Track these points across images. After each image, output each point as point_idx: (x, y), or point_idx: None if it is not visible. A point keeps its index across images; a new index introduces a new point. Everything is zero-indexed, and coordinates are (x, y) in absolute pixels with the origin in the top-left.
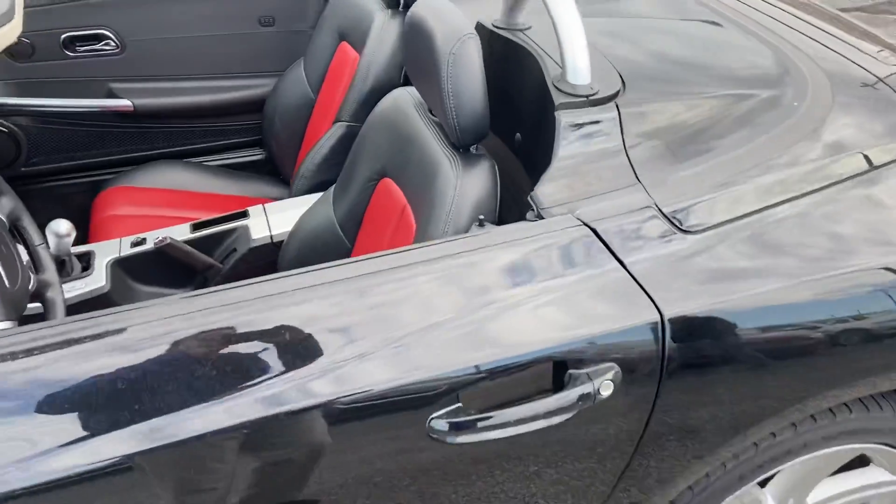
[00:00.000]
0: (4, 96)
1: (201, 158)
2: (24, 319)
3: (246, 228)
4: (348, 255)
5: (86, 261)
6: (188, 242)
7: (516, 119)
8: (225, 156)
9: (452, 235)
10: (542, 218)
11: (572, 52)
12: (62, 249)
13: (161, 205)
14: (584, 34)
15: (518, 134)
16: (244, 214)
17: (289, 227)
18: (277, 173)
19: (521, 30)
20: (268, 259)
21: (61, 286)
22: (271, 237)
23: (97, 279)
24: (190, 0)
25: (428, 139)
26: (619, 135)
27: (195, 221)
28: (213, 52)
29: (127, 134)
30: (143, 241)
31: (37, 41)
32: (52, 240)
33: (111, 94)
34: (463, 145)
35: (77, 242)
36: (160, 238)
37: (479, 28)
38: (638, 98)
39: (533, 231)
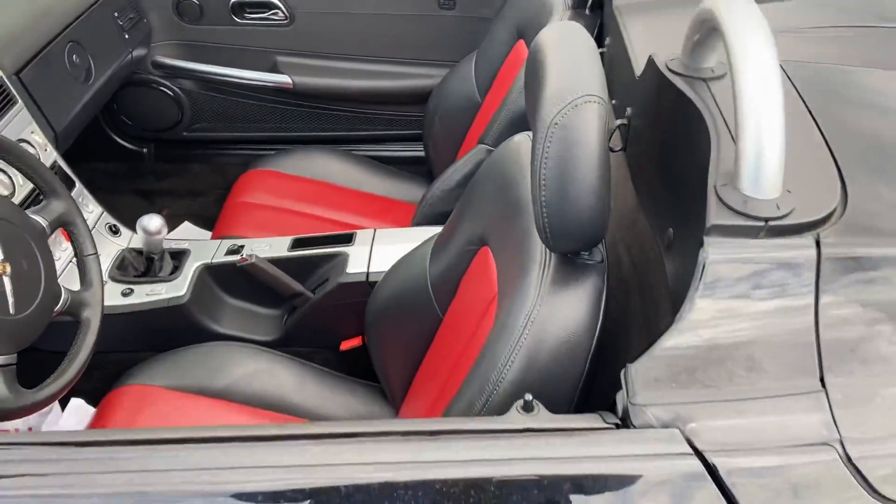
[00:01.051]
0: (172, 58)
1: (358, 147)
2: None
3: (345, 258)
4: (437, 326)
5: (178, 260)
6: (283, 261)
7: (672, 208)
8: (384, 147)
9: (488, 406)
10: (627, 425)
11: (755, 143)
12: (152, 247)
13: (295, 196)
14: (782, 112)
15: (671, 230)
16: (348, 239)
17: (387, 268)
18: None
19: (704, 79)
20: (358, 298)
21: (102, 305)
22: (367, 275)
23: (179, 286)
24: None
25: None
26: (811, 295)
27: (298, 237)
28: (384, 32)
29: (284, 112)
30: (238, 250)
31: (206, 3)
32: (140, 236)
33: (275, 68)
34: (556, 251)
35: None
36: (245, 255)
37: (650, 66)
38: (868, 225)
39: (600, 447)
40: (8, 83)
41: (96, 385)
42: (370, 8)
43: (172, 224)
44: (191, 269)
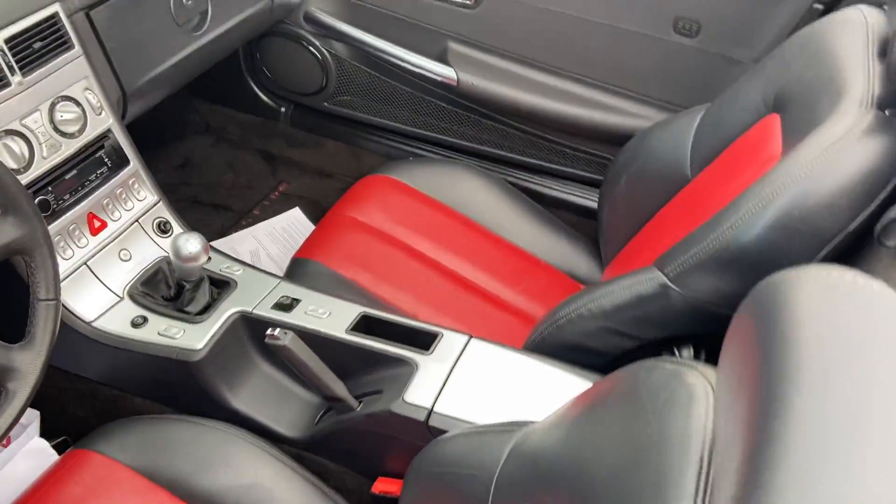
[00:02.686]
0: (328, 15)
1: (517, 174)
2: None
3: (410, 370)
4: None
5: (216, 295)
6: (335, 343)
7: None
8: (548, 183)
9: None
10: None
11: None
12: (184, 274)
13: (416, 225)
14: None
15: None
16: (427, 342)
17: (464, 414)
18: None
19: None
20: (410, 438)
21: (39, 375)
22: (429, 414)
23: (199, 335)
24: None
25: None
26: None
27: (368, 313)
28: (591, 45)
29: (438, 109)
30: (291, 305)
31: None
32: (172, 258)
33: (443, 56)
34: None
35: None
36: (276, 332)
37: None
38: None
39: None
40: (65, 22)
41: (87, 415)
42: (579, 9)
43: (283, 206)
44: (226, 311)
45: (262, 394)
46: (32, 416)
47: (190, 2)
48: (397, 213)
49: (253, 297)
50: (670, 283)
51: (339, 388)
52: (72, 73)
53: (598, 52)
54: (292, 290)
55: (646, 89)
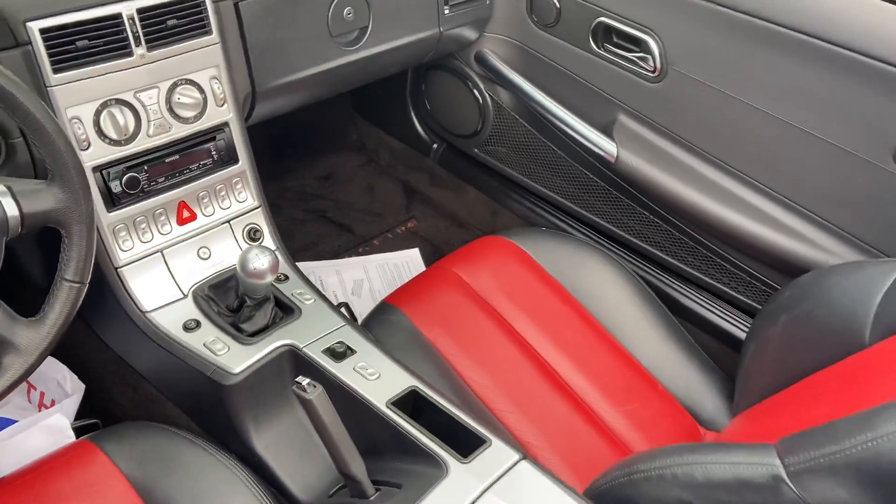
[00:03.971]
0: (498, 59)
1: (661, 277)
2: None
3: (439, 475)
4: None
5: (277, 319)
6: (372, 417)
7: None
8: (698, 300)
9: None
10: None
11: None
12: (249, 289)
13: (521, 302)
14: None
15: None
16: (466, 450)
17: None
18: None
19: None
20: None
21: (39, 357)
22: None
23: (242, 358)
24: (806, 63)
25: None
26: None
27: (420, 390)
28: (785, 155)
29: (589, 183)
30: (344, 353)
31: (568, 10)
32: (238, 271)
33: (608, 128)
34: None
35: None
36: (303, 382)
37: None
38: None
39: None
40: (209, 6)
41: (125, 404)
42: (780, 110)
43: (405, 243)
44: (277, 341)
45: (286, 442)
46: (77, 389)
47: (351, 16)
48: (508, 283)
49: (311, 332)
50: (786, 479)
51: (356, 467)
52: (203, 58)
53: (790, 163)
54: (353, 338)
55: (839, 219)
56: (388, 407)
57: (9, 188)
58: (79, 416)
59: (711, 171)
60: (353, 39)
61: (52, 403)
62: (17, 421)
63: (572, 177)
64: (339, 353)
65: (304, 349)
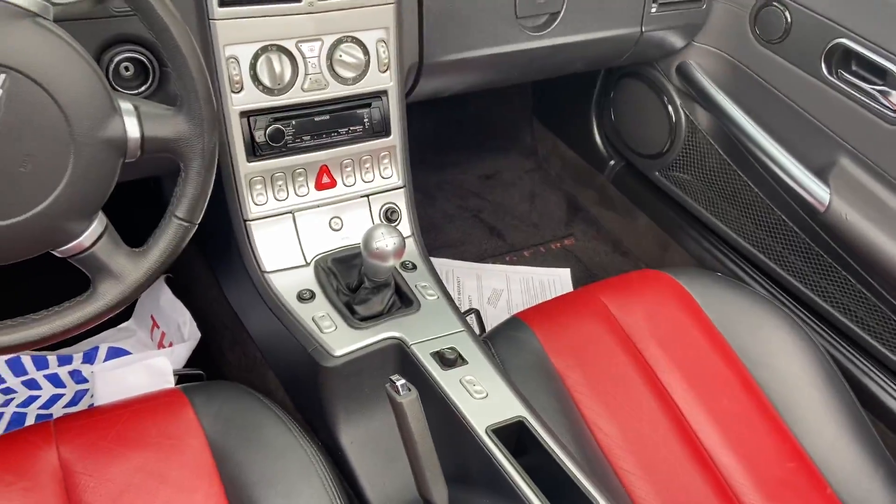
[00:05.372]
0: (706, 73)
1: (860, 364)
2: None
3: None
4: None
5: (394, 306)
6: (469, 437)
7: None
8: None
9: None
10: None
11: None
12: (370, 271)
13: (675, 354)
14: None
15: None
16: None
17: None
18: None
19: None
20: None
21: (133, 289)
22: None
23: (348, 340)
24: None
25: None
26: None
27: (530, 424)
28: None
29: (784, 232)
30: (454, 363)
31: (800, 26)
32: (361, 248)
33: (823, 171)
34: None
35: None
36: (397, 381)
37: None
38: None
39: None
40: None
41: (233, 361)
42: None
43: (556, 260)
44: (387, 332)
45: (374, 443)
46: (193, 336)
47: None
48: (662, 327)
49: (424, 331)
50: None
51: (438, 493)
52: (374, 17)
53: None
54: (468, 347)
55: None
56: (487, 433)
57: (135, 108)
58: (189, 364)
59: None
60: (540, 24)
61: (171, 345)
62: (131, 354)
63: (765, 221)
64: (449, 359)
65: (411, 346)
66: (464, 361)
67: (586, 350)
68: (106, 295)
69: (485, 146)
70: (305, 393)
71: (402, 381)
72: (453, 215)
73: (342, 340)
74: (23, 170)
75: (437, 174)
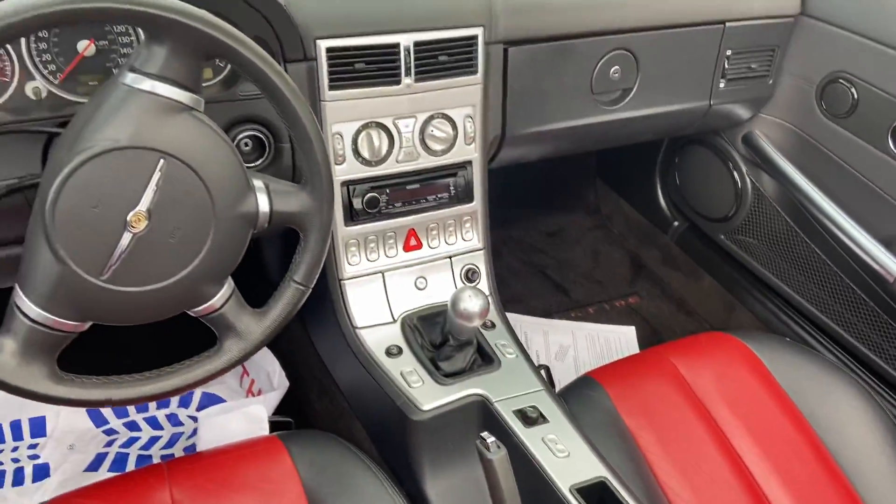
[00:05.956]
0: (771, 143)
1: None
2: None
3: None
4: None
5: (473, 366)
6: (552, 495)
7: None
8: None
9: None
10: None
11: None
12: (455, 330)
13: (746, 419)
14: None
15: None
16: None
17: None
18: None
19: None
20: None
21: (255, 346)
22: None
23: (432, 396)
24: None
25: None
26: None
27: (611, 485)
28: None
29: (854, 302)
30: (535, 421)
31: (866, 100)
32: (448, 308)
33: (892, 241)
34: None
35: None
36: (487, 439)
37: None
38: None
39: None
40: (481, 48)
41: (321, 411)
42: None
43: (621, 318)
44: (471, 388)
45: (460, 496)
46: (282, 385)
47: (617, 75)
48: (733, 390)
49: (506, 388)
50: None
51: None
52: (462, 96)
53: None
54: (548, 405)
55: None
56: (571, 492)
57: (266, 185)
58: (276, 412)
59: None
60: (614, 99)
61: (259, 393)
62: (224, 400)
63: (832, 287)
64: (531, 417)
65: (495, 403)
66: (545, 420)
67: (658, 410)
68: (231, 351)
69: (548, 204)
70: (392, 444)
71: (493, 438)
72: (519, 270)
73: (429, 395)
74: (172, 240)
75: (503, 230)
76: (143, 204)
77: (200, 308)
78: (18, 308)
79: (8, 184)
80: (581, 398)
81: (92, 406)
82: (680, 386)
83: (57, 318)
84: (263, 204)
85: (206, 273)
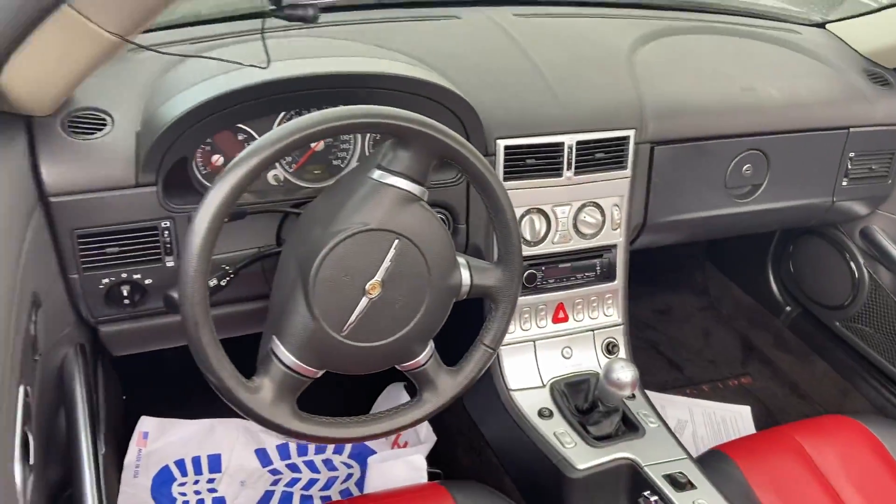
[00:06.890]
0: (887, 237)
1: None
2: None
3: None
4: None
5: (618, 431)
6: None
7: None
8: None
9: None
10: None
11: None
12: (606, 397)
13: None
14: None
15: None
16: None
17: None
18: None
19: None
20: None
21: (449, 398)
22: None
23: (586, 457)
24: None
25: None
26: None
27: None
28: None
29: None
30: (685, 486)
31: None
32: (601, 377)
33: None
34: None
35: None
36: (651, 498)
37: None
38: None
39: None
40: (631, 147)
41: (468, 466)
42: None
43: (735, 397)
44: (622, 452)
45: None
46: (430, 439)
47: (749, 172)
48: (859, 472)
49: (654, 454)
50: None
51: None
52: (612, 187)
53: None
54: (694, 473)
55: None
56: None
57: (467, 262)
58: None
59: None
60: (744, 193)
61: (405, 445)
62: (374, 451)
63: None
64: (681, 483)
65: (645, 468)
66: (692, 486)
67: (788, 487)
68: (428, 403)
69: (657, 282)
70: (544, 500)
71: (656, 497)
72: (633, 346)
73: (583, 456)
74: (396, 305)
75: None
76: (380, 275)
77: (408, 364)
78: (276, 356)
79: (252, 254)
80: (714, 470)
81: (321, 442)
82: (807, 465)
83: (305, 366)
84: (466, 277)
85: (418, 334)
